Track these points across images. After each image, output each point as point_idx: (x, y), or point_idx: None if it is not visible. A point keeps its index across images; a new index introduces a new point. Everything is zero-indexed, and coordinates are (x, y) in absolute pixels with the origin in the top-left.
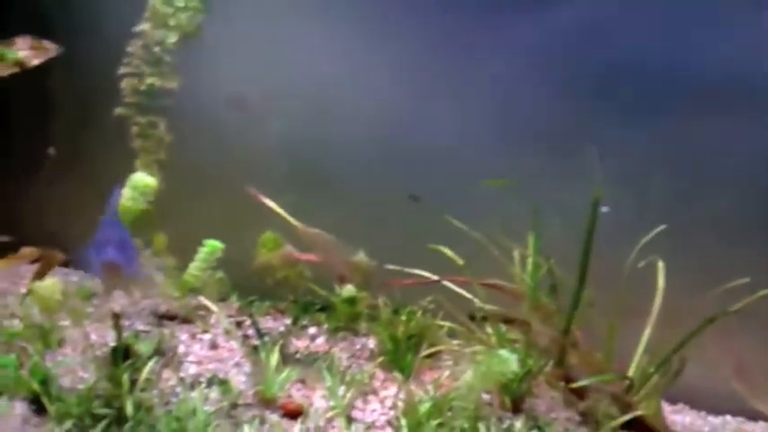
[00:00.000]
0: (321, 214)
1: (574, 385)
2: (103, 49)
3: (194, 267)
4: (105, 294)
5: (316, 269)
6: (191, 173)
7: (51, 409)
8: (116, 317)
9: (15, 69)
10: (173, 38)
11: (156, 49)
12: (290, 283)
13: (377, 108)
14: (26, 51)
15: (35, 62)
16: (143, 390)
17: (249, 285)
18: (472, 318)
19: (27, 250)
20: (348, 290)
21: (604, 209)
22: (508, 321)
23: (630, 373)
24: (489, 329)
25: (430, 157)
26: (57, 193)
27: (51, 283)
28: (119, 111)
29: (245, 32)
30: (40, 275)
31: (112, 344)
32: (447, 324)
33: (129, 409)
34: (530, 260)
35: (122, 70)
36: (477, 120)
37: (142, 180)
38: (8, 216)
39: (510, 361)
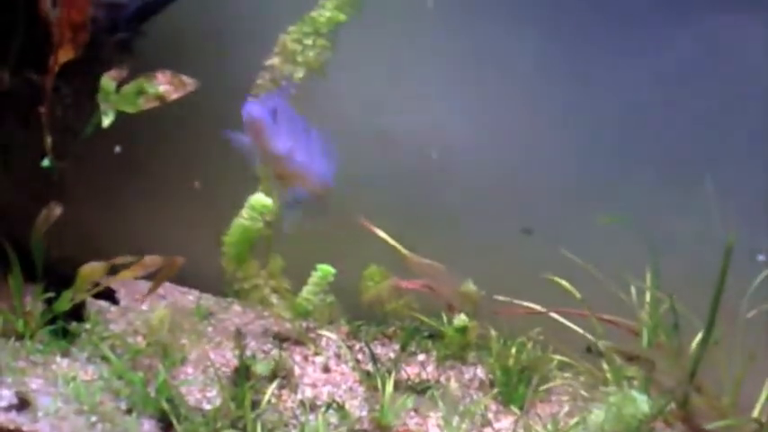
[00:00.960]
0: (431, 243)
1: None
2: (234, 80)
3: (307, 291)
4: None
5: (423, 296)
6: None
7: (179, 428)
8: (239, 336)
9: (156, 103)
10: (300, 73)
11: (284, 82)
12: (398, 313)
13: (491, 139)
14: (166, 86)
15: (174, 96)
16: (265, 411)
17: (357, 309)
18: (589, 350)
19: (149, 259)
20: (460, 319)
21: (761, 257)
22: (631, 359)
23: (755, 415)
24: (605, 365)
25: (544, 189)
26: (184, 216)
27: (161, 315)
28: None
29: (366, 69)
30: (159, 283)
31: (233, 363)
32: (558, 357)
33: (258, 430)
34: (648, 295)
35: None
36: (593, 153)
37: (260, 201)
38: (126, 233)
39: (642, 403)
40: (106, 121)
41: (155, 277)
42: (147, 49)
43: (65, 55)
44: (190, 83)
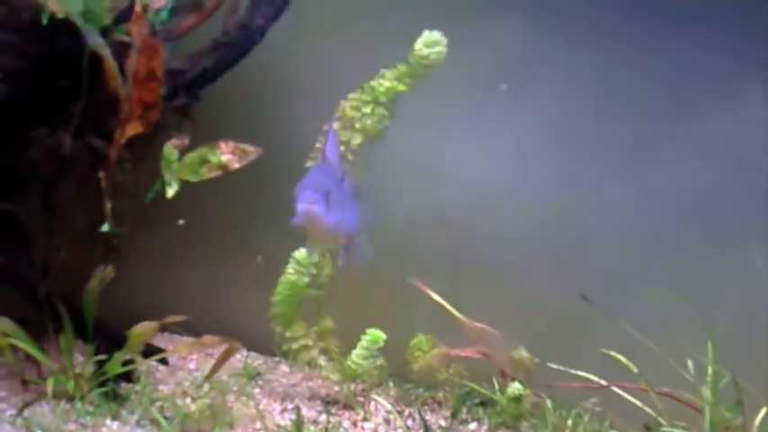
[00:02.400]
0: (485, 305)
1: None
2: (291, 145)
3: (357, 355)
4: (309, 245)
5: (474, 361)
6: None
7: None
8: (298, 410)
9: (218, 172)
10: (357, 139)
11: (341, 147)
12: (448, 382)
13: (546, 199)
14: (229, 155)
15: (236, 166)
16: None
17: (406, 369)
18: (648, 429)
19: (209, 338)
20: (514, 388)
21: None
22: None
23: None
24: None
25: (600, 254)
26: (233, 274)
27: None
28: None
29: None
30: (220, 364)
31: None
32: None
33: None
34: (709, 369)
35: (308, 164)
36: (651, 216)
37: (304, 255)
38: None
39: None
40: (170, 192)
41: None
42: (207, 112)
43: (132, 130)
44: (252, 151)
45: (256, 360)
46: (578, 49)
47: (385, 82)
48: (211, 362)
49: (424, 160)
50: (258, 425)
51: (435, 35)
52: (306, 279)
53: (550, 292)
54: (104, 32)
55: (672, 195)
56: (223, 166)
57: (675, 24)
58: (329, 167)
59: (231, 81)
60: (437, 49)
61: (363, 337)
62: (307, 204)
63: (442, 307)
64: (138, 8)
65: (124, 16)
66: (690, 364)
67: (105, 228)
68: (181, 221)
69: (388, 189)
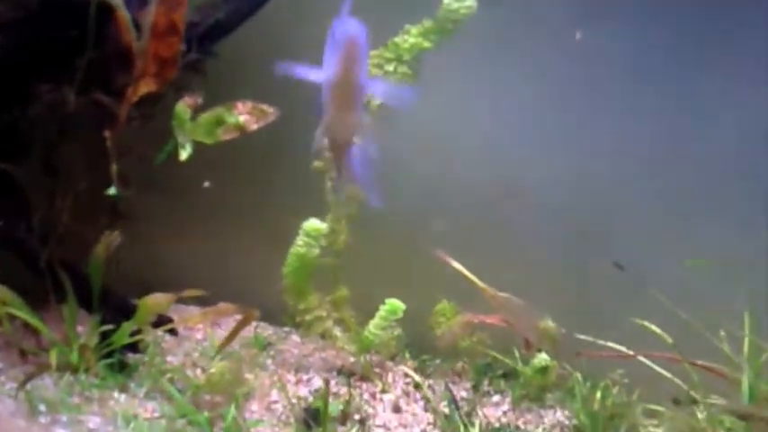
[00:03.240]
0: (508, 275)
1: None
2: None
3: (374, 325)
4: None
5: (497, 333)
6: (379, 228)
7: None
8: (326, 382)
9: (235, 134)
10: (378, 100)
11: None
12: (471, 351)
13: (577, 167)
14: (246, 115)
15: (254, 127)
16: None
17: (422, 341)
18: (677, 402)
19: (224, 306)
20: (541, 359)
21: None
22: (745, 417)
23: None
24: (699, 415)
25: (633, 225)
26: (244, 242)
27: (222, 366)
28: (316, 164)
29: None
30: (235, 333)
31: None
32: (647, 405)
33: None
34: (746, 342)
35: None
36: (686, 191)
37: (314, 226)
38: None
39: None
40: (184, 154)
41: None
42: (220, 69)
43: (146, 87)
44: (271, 112)
45: (266, 330)
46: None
47: (410, 38)
48: (220, 332)
49: (445, 126)
50: (275, 396)
51: None
52: (316, 250)
53: (579, 262)
54: None
55: (709, 164)
56: (240, 127)
57: None
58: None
59: (246, 35)
60: (467, 3)
61: (382, 306)
62: (352, 30)
63: (464, 276)
64: None
65: None
66: (723, 335)
67: (112, 191)
68: (206, 184)
69: (408, 154)
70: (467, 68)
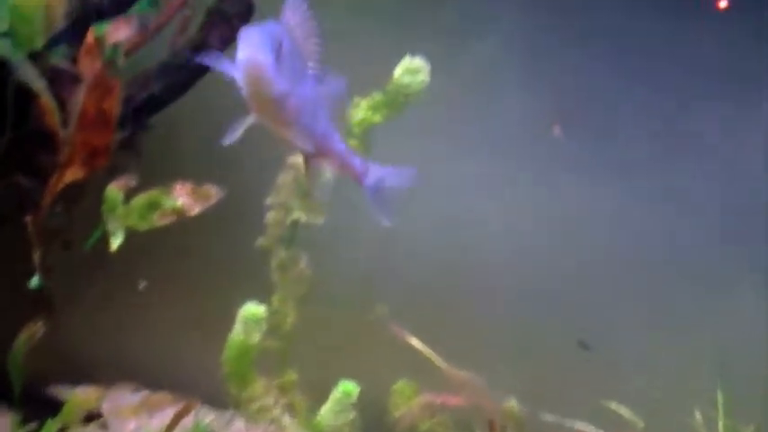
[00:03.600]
0: (470, 353)
1: None
2: (257, 183)
3: (327, 410)
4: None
5: (459, 414)
6: (330, 308)
7: None
8: None
9: (172, 218)
10: (328, 172)
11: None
12: None
13: (543, 235)
14: (185, 198)
15: (195, 210)
16: None
17: (379, 423)
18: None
19: (160, 396)
20: None
21: None
22: None
23: None
24: None
25: (602, 298)
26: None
27: None
28: (260, 242)
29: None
30: (173, 425)
31: None
32: None
33: None
34: (720, 424)
35: (269, 201)
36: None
37: (252, 311)
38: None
39: None
40: (115, 243)
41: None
42: (157, 146)
43: (72, 176)
44: (214, 193)
45: (208, 416)
46: None
47: (359, 112)
48: (155, 421)
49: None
50: None
51: (418, 61)
52: (257, 336)
53: (544, 338)
54: (35, 57)
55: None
56: (179, 212)
57: None
58: (286, 30)
59: (185, 108)
60: (419, 77)
61: (334, 389)
62: (250, 48)
63: (422, 354)
64: (90, 39)
65: (62, 38)
66: (698, 416)
67: (34, 282)
68: (143, 283)
69: (359, 223)
70: (421, 132)
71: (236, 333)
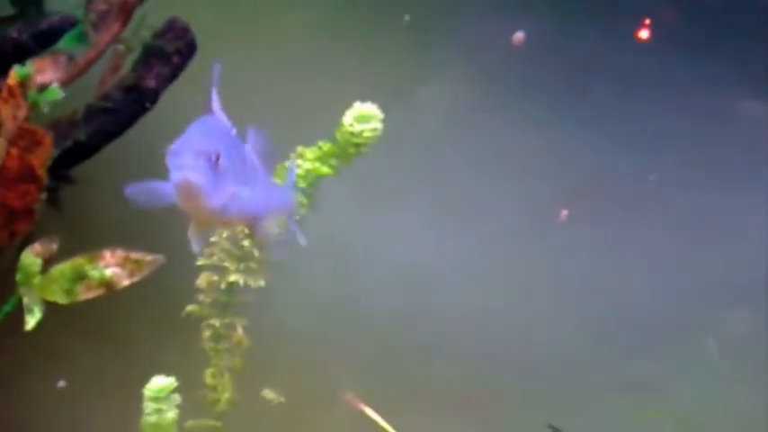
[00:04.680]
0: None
1: None
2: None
3: None
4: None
5: None
6: (270, 381)
7: None
8: None
9: (100, 291)
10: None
11: (246, 242)
12: None
13: (504, 304)
14: (115, 268)
15: (127, 282)
16: None
17: None
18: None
19: None
20: None
21: None
22: None
23: None
24: None
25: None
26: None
27: None
28: (190, 309)
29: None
30: None
31: None
32: None
33: None
34: None
35: (200, 262)
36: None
37: (159, 386)
38: None
39: None
40: (31, 321)
41: None
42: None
43: None
44: (149, 261)
45: None
46: None
47: (305, 163)
48: None
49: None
50: None
51: (370, 108)
52: (172, 414)
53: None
54: None
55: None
56: (107, 284)
57: None
58: (216, 122)
59: (116, 156)
60: (372, 125)
61: None
62: (182, 171)
63: (380, 427)
64: (12, 81)
65: None
66: None
67: None
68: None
69: (307, 280)
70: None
71: (147, 415)
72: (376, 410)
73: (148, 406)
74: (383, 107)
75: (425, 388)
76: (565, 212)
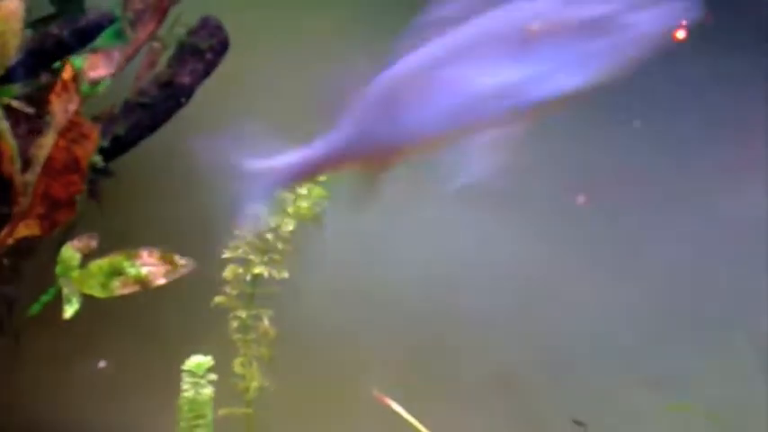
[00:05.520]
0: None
1: None
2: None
3: None
4: None
5: None
6: (297, 371)
7: None
8: None
9: (135, 288)
10: (290, 225)
11: (269, 235)
12: None
13: (532, 301)
14: (151, 267)
15: (161, 281)
16: None
17: None
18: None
19: None
20: None
21: None
22: None
23: None
24: None
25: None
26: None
27: None
28: (217, 300)
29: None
30: None
31: None
32: None
33: None
34: None
35: (226, 255)
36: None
37: (197, 363)
38: None
39: None
40: (69, 311)
41: None
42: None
43: (27, 230)
44: (183, 264)
45: None
46: None
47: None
48: None
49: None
50: None
51: None
52: (208, 390)
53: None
54: None
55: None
56: (143, 282)
57: None
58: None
59: (153, 152)
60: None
61: None
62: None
63: (409, 424)
64: (67, 75)
65: (17, 74)
66: None
67: None
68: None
69: (333, 277)
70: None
71: (184, 391)
72: (401, 403)
73: (186, 381)
74: None
75: (453, 381)
76: (583, 198)
